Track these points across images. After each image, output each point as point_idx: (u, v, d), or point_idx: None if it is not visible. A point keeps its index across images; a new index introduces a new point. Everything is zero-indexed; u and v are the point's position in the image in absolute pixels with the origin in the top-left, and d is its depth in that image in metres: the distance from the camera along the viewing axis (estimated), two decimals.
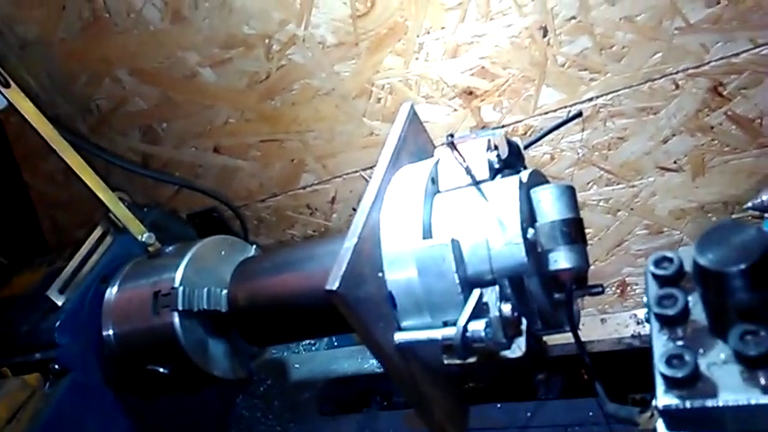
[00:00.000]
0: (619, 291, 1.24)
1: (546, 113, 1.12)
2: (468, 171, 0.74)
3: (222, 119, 1.33)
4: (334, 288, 0.64)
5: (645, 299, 0.87)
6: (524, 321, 0.69)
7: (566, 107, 1.10)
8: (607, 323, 1.12)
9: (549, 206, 0.70)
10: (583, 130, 1.11)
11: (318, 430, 1.19)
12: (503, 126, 1.16)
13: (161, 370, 1.00)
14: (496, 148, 0.76)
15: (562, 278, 0.69)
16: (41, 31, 1.31)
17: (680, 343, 0.54)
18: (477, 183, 0.73)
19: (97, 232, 1.16)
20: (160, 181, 1.44)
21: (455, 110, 1.16)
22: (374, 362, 1.18)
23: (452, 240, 0.68)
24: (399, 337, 0.70)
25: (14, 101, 1.04)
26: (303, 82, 1.22)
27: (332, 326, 0.91)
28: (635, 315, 1.11)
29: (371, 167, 1.32)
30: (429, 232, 0.73)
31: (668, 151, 1.11)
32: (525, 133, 1.16)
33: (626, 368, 0.89)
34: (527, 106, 1.12)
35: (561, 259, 0.68)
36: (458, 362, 0.69)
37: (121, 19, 1.24)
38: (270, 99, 1.27)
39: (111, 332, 1.03)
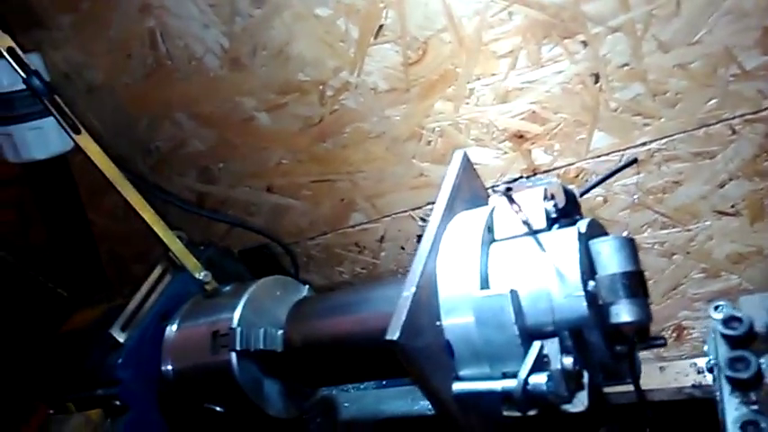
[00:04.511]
0: (675, 335, 1.22)
1: (598, 157, 1.12)
2: (524, 221, 0.75)
3: (275, 160, 1.37)
4: (395, 338, 0.65)
5: (706, 347, 0.85)
6: (586, 374, 0.68)
7: (619, 151, 1.10)
8: (666, 371, 1.09)
9: (609, 258, 0.70)
10: (638, 173, 1.11)
11: None
12: (554, 169, 1.16)
13: (217, 409, 1.02)
14: (553, 197, 0.77)
15: (624, 331, 0.68)
16: (107, 76, 1.39)
17: (754, 407, 0.53)
18: (534, 233, 0.74)
19: (157, 271, 1.20)
20: (214, 219, 1.48)
21: (505, 153, 1.17)
22: (425, 404, 1.18)
23: (511, 291, 0.69)
24: (458, 386, 0.71)
25: (84, 146, 1.09)
26: (355, 125, 1.25)
27: (385, 370, 0.93)
28: (695, 364, 1.09)
29: (420, 207, 1.34)
30: (486, 282, 0.73)
31: (725, 195, 1.09)
32: (577, 176, 1.16)
33: (687, 419, 0.87)
34: (579, 149, 1.12)
35: (623, 312, 0.68)
36: (517, 414, 0.69)
37: (183, 66, 1.30)
38: (322, 141, 1.30)
39: (170, 370, 1.06)
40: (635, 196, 1.14)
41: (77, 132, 1.08)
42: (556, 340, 0.68)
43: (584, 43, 1.02)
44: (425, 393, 0.69)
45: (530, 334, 0.69)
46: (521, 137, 1.14)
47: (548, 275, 0.70)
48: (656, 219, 1.16)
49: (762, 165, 1.04)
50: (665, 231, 1.17)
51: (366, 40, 1.14)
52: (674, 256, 1.18)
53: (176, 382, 1.05)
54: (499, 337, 0.69)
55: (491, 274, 0.74)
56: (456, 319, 0.72)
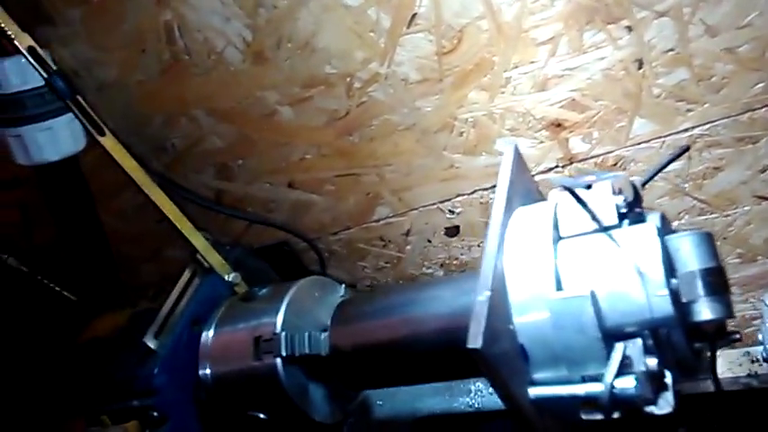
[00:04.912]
0: None
1: (638, 144, 1.10)
2: (594, 217, 0.73)
3: (298, 155, 1.34)
4: (478, 346, 0.63)
5: (760, 336, 0.84)
6: (669, 375, 0.66)
7: (660, 137, 1.08)
8: (718, 361, 1.08)
9: (689, 254, 0.68)
10: (678, 160, 1.09)
11: None
12: (592, 157, 1.14)
13: (261, 416, 0.99)
14: (620, 191, 0.75)
15: (706, 329, 0.67)
16: (119, 73, 1.33)
17: None
18: (606, 229, 0.71)
19: (186, 274, 1.16)
20: (234, 217, 1.44)
21: (541, 142, 1.15)
22: (464, 400, 1.16)
23: (591, 292, 0.67)
24: (537, 391, 0.68)
25: (109, 148, 1.05)
26: (383, 118, 1.22)
27: (442, 372, 0.90)
28: (748, 353, 1.08)
29: (449, 200, 1.31)
30: (560, 282, 0.71)
31: (766, 180, 1.08)
32: (615, 164, 1.14)
33: (747, 409, 0.86)
34: (619, 137, 1.10)
35: (705, 310, 0.66)
36: (599, 418, 0.67)
37: (201, 60, 1.25)
38: (348, 135, 1.26)
39: (209, 378, 1.02)
40: (674, 183, 1.12)
41: (102, 134, 1.03)
42: (638, 341, 0.66)
43: (629, 28, 0.99)
44: (504, 400, 0.66)
45: (610, 335, 0.67)
46: (558, 125, 1.11)
47: (627, 274, 0.68)
48: (695, 205, 1.15)
49: None
50: (703, 218, 1.15)
51: (398, 29, 1.10)
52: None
53: (216, 389, 1.02)
54: (579, 339, 0.67)
55: (564, 273, 0.71)
56: (531, 322, 0.70)
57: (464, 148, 1.20)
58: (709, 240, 0.68)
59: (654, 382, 0.65)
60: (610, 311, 0.67)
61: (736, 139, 1.05)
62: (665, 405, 0.65)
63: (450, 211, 1.32)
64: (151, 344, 1.05)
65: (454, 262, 1.41)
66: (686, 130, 1.06)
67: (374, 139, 1.25)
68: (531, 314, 0.70)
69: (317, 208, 1.42)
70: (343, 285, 1.11)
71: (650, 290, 0.66)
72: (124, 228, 1.63)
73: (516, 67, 1.07)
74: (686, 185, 1.12)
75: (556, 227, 0.76)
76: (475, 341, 0.63)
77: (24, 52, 0.93)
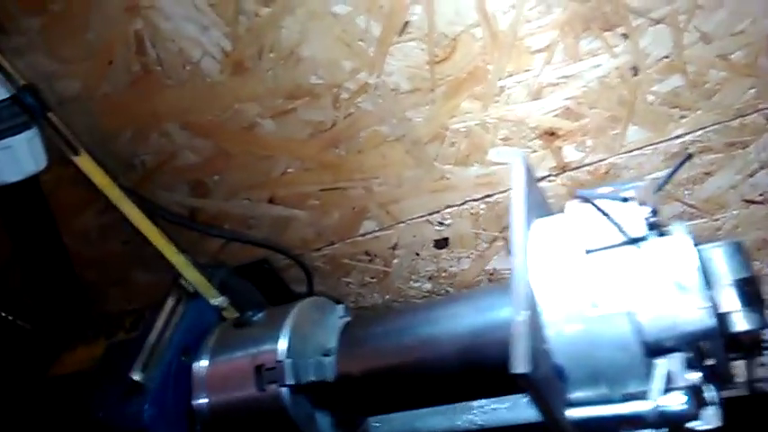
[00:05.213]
0: None
1: (631, 152, 1.10)
2: (620, 228, 0.71)
3: (280, 169, 1.28)
4: (526, 371, 0.59)
5: None
6: (712, 388, 0.65)
7: (652, 144, 1.08)
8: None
9: (723, 265, 0.67)
10: (669, 167, 1.09)
11: None
12: (584, 165, 1.14)
13: None
14: (645, 202, 0.73)
15: (743, 340, 0.66)
16: (83, 86, 1.24)
17: None
18: (635, 241, 0.70)
19: (170, 301, 1.09)
20: (213, 235, 1.37)
21: (534, 151, 1.13)
22: (468, 417, 1.13)
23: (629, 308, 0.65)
24: (578, 413, 0.66)
25: (84, 168, 0.97)
26: (371, 129, 1.18)
27: (456, 393, 0.87)
28: None
29: (438, 212, 1.28)
30: (594, 298, 0.69)
31: (755, 184, 1.10)
32: (607, 172, 1.13)
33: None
34: (612, 145, 1.10)
35: (741, 320, 0.65)
36: None
37: (175, 72, 1.18)
38: (334, 147, 1.22)
39: (205, 410, 0.96)
40: (664, 188, 1.13)
41: (76, 154, 0.95)
42: (678, 355, 0.65)
43: (625, 36, 0.99)
44: (550, 423, 0.64)
45: (649, 351, 0.65)
46: (552, 134, 1.10)
47: (664, 288, 0.66)
48: (684, 210, 1.16)
49: None
50: (692, 222, 1.17)
51: (389, 38, 1.06)
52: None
53: (214, 422, 0.96)
54: (619, 357, 0.65)
55: (597, 288, 0.69)
56: (567, 341, 0.68)
57: (455, 159, 1.18)
58: (741, 250, 0.68)
59: (699, 396, 0.63)
60: (648, 326, 0.66)
61: (726, 144, 1.06)
62: (711, 420, 0.64)
63: (439, 223, 1.29)
64: (138, 377, 0.98)
65: (443, 275, 1.38)
66: (678, 136, 1.07)
67: (362, 151, 1.21)
68: (566, 333, 0.68)
69: (300, 223, 1.36)
70: (342, 305, 1.07)
71: (691, 303, 0.65)
72: (87, 251, 1.52)
73: (511, 75, 1.06)
74: (676, 191, 1.13)
75: (580, 240, 0.74)
76: (521, 366, 0.60)
77: None
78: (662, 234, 0.72)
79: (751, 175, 1.09)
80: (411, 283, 1.42)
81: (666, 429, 0.64)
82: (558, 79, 1.05)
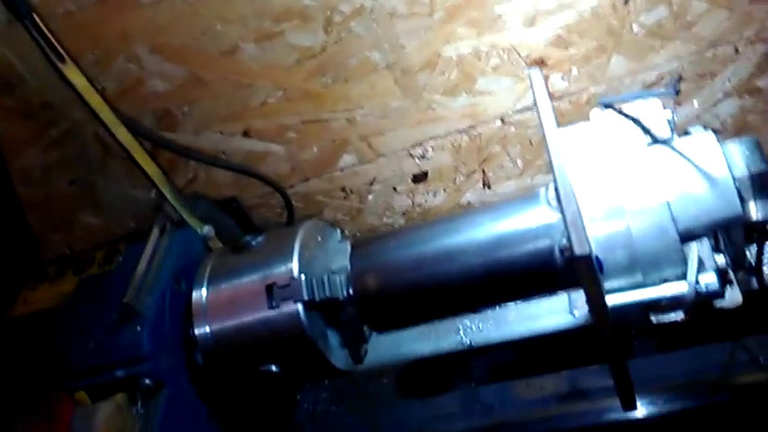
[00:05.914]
0: None
1: (612, 82, 1.15)
2: (647, 131, 0.75)
3: (259, 99, 1.23)
4: (587, 252, 0.62)
5: None
6: (731, 272, 0.71)
7: (633, 74, 1.14)
8: None
9: (742, 160, 0.73)
10: None
11: (415, 413, 1.14)
12: (567, 95, 1.18)
13: (273, 369, 0.92)
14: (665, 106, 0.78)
15: (757, 228, 0.72)
16: (42, 2, 1.12)
17: None
18: (664, 141, 0.74)
19: (156, 231, 1.03)
20: (189, 158, 1.28)
21: (522, 80, 1.16)
22: (455, 339, 1.16)
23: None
24: (618, 299, 0.70)
25: (70, 78, 0.89)
26: (362, 55, 1.16)
27: (478, 299, 0.89)
28: None
29: (421, 144, 1.28)
30: (630, 192, 0.73)
31: (717, 113, 1.19)
32: (588, 102, 1.18)
33: None
34: (596, 74, 1.15)
35: (760, 210, 0.71)
36: (675, 319, 0.70)
37: None
38: (320, 75, 1.19)
39: (209, 338, 0.92)
40: None
41: (62, 61, 0.87)
42: (705, 240, 0.70)
43: None
44: (599, 310, 0.67)
45: (682, 238, 0.70)
46: (542, 62, 1.13)
47: (693, 180, 0.71)
48: None
49: (754, 83, 1.15)
50: None
51: None
52: None
53: (219, 348, 0.92)
54: (657, 245, 0.69)
55: (632, 185, 0.73)
56: (605, 232, 0.71)
57: (444, 89, 1.19)
58: (759, 146, 0.74)
59: (725, 278, 0.69)
60: (681, 215, 0.70)
61: (698, 75, 1.14)
62: (733, 299, 0.69)
63: (421, 156, 1.30)
64: (134, 304, 0.92)
65: (417, 209, 1.39)
66: (656, 66, 1.13)
67: (349, 79, 1.19)
68: (605, 225, 0.71)
69: (275, 158, 1.32)
70: (339, 230, 1.05)
71: (719, 192, 0.70)
72: (28, 192, 1.40)
73: (509, 1, 1.07)
74: None
75: (612, 142, 0.78)
76: (582, 248, 0.62)
77: None
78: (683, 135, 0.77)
79: (714, 105, 1.18)
80: (384, 219, 1.42)
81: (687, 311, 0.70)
82: (554, 6, 1.07)
